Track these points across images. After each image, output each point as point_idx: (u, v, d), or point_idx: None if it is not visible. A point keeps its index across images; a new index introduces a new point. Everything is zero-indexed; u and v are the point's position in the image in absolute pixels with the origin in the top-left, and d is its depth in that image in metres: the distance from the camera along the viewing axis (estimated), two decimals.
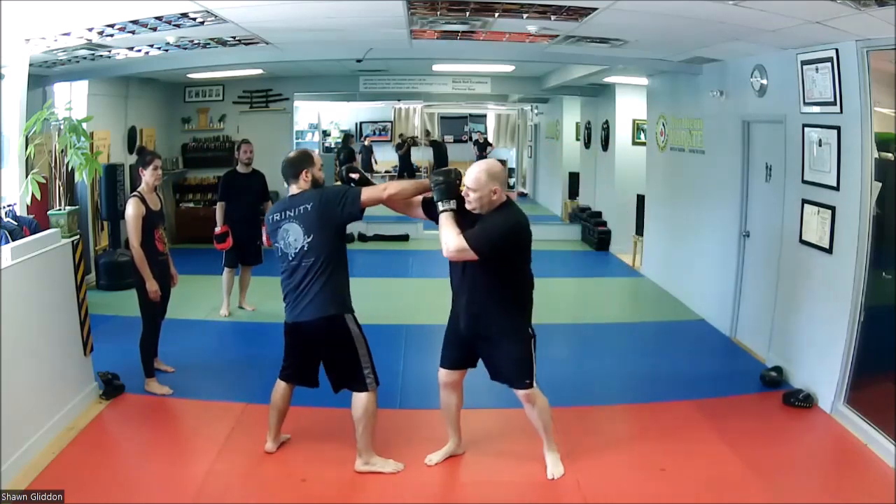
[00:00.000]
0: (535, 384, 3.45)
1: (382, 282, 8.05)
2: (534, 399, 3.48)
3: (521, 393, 3.46)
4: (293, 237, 3.40)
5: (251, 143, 6.30)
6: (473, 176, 3.23)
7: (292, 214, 3.41)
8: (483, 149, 15.62)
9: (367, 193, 3.40)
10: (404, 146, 14.78)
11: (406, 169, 14.84)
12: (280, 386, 3.65)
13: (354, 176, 3.70)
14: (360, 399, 3.46)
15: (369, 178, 3.75)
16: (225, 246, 6.09)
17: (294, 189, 3.48)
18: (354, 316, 3.49)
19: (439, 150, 14.91)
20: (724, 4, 3.63)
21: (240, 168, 6.19)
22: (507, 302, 3.36)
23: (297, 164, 3.47)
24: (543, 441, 3.62)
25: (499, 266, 3.28)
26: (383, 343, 5.70)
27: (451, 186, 3.29)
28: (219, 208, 6.07)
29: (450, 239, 3.19)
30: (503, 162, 16.20)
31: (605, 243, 9.75)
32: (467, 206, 3.28)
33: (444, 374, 3.62)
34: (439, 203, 3.28)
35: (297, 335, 3.50)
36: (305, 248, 3.38)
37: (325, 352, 3.52)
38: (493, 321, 3.36)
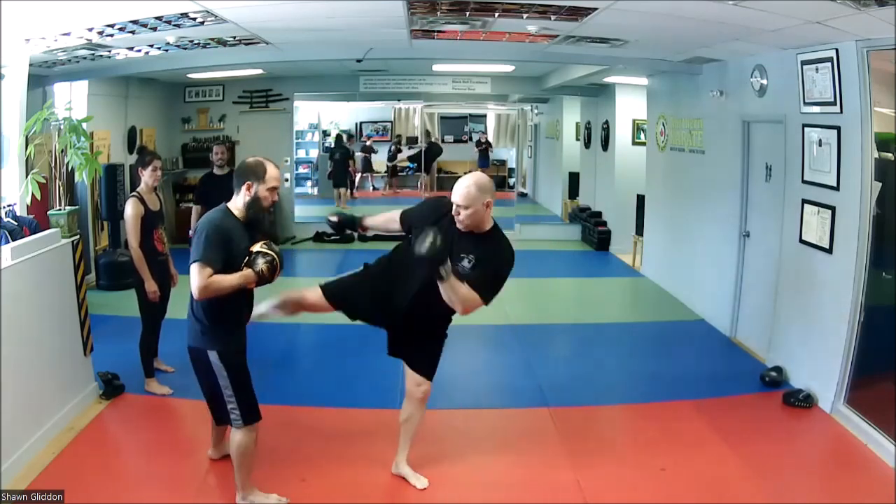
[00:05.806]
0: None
1: None
2: (428, 396, 3.45)
3: (424, 389, 3.40)
4: None
5: (223, 146, 6.20)
6: (463, 192, 3.01)
7: None
8: (485, 149, 15.60)
9: (200, 277, 2.83)
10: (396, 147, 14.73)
11: (392, 170, 14.68)
12: None
13: (333, 219, 3.59)
14: (232, 435, 3.15)
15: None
16: None
17: (232, 200, 3.05)
18: (227, 352, 3.03)
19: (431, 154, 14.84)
20: (724, 4, 3.63)
21: (216, 170, 6.11)
22: (445, 315, 3.31)
23: (244, 173, 3.01)
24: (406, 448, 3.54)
25: None
26: (383, 343, 5.71)
27: (437, 252, 2.88)
28: (195, 212, 5.65)
29: (462, 297, 2.98)
30: (502, 163, 16.27)
31: (605, 243, 9.75)
32: (458, 226, 3.08)
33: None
34: (440, 274, 2.93)
35: None
36: None
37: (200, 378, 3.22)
38: (429, 325, 3.36)
